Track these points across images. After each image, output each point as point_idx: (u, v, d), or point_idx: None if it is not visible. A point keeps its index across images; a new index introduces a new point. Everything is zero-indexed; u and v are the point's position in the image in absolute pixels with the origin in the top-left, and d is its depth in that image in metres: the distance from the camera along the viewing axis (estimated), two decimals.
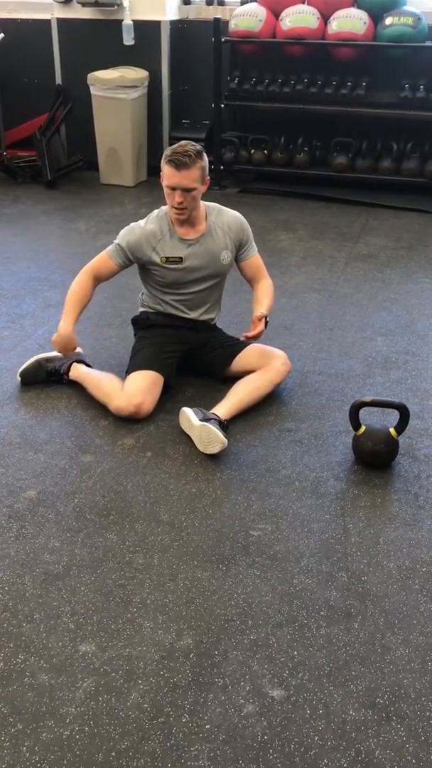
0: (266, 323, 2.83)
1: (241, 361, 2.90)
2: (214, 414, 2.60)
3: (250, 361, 2.89)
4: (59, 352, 2.87)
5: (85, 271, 2.85)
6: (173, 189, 2.66)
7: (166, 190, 2.70)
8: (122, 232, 2.85)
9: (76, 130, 6.08)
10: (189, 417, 2.59)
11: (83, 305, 2.85)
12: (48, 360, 2.97)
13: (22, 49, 6.04)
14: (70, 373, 2.93)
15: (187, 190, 2.65)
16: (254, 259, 2.98)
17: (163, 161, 2.68)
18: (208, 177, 2.75)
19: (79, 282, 2.85)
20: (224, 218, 2.87)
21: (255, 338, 2.80)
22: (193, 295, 2.90)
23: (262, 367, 2.83)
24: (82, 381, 2.90)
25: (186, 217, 2.74)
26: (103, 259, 2.85)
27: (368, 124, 5.55)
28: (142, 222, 2.84)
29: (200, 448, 2.54)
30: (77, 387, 2.93)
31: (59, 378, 2.95)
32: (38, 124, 5.98)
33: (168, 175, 2.65)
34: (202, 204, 2.84)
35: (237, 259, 2.95)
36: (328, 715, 1.66)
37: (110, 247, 2.85)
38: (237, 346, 2.95)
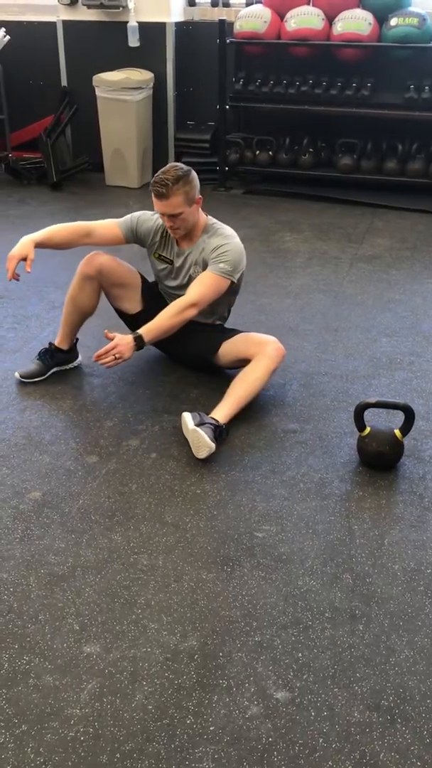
0: (141, 342, 2.61)
1: (230, 347, 2.87)
2: (212, 418, 2.59)
3: (239, 348, 2.84)
4: (10, 256, 2.73)
5: (80, 222, 2.91)
6: (162, 215, 2.73)
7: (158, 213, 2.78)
8: (141, 214, 2.93)
9: (82, 131, 6.10)
10: (186, 422, 2.59)
11: (57, 242, 2.84)
12: None
13: (28, 51, 6.05)
14: (56, 341, 3.05)
15: (172, 216, 2.70)
16: (203, 273, 2.77)
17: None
18: (199, 196, 2.74)
19: (69, 224, 2.89)
20: (212, 239, 2.81)
21: (102, 360, 2.57)
22: (178, 296, 2.90)
23: (253, 355, 2.77)
24: (61, 322, 3.05)
25: (180, 235, 2.82)
26: (109, 222, 2.92)
27: (373, 125, 5.55)
28: (156, 216, 2.90)
29: (193, 452, 2.54)
30: (83, 388, 2.94)
31: (48, 350, 3.03)
32: (44, 126, 6.00)
33: (154, 203, 2.71)
34: (207, 221, 2.85)
35: None
36: (333, 717, 1.66)
37: (122, 218, 2.93)
38: (226, 333, 2.94)
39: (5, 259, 2.74)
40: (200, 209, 2.80)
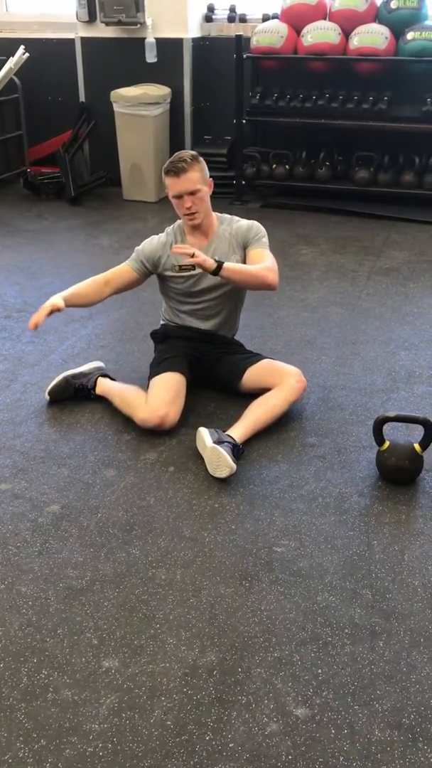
0: (219, 269, 2.63)
1: (253, 374, 2.88)
2: (230, 436, 2.58)
3: (262, 376, 2.85)
4: (41, 307, 2.80)
5: (96, 276, 2.95)
6: (180, 197, 2.76)
7: (173, 202, 2.81)
8: (143, 242, 2.96)
9: (100, 146, 6.16)
10: (203, 438, 2.58)
11: (82, 295, 2.90)
12: (74, 377, 3.00)
13: (47, 67, 6.14)
14: (97, 389, 2.95)
15: (192, 193, 2.74)
16: (257, 251, 2.84)
17: (163, 176, 2.78)
18: (211, 179, 2.82)
19: (88, 280, 2.93)
20: (234, 226, 2.89)
21: (180, 250, 2.65)
22: (207, 304, 2.93)
23: (275, 384, 2.79)
24: (108, 395, 2.92)
25: (199, 221, 2.83)
26: (122, 266, 2.96)
27: (390, 138, 5.56)
28: (159, 235, 2.96)
29: (210, 470, 2.52)
30: (101, 402, 2.95)
31: (87, 394, 2.97)
32: (62, 141, 6.06)
33: (171, 185, 2.76)
34: (215, 214, 2.92)
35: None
36: (353, 735, 1.64)
37: (130, 257, 2.97)
38: (251, 358, 2.95)
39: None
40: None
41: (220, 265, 2.64)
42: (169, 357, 2.92)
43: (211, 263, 2.63)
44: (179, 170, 2.71)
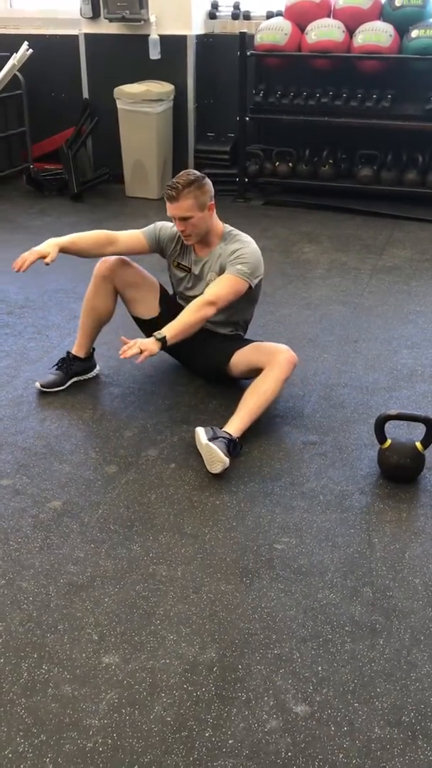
0: (165, 343, 2.57)
1: (242, 357, 2.85)
2: (225, 432, 2.57)
3: (250, 357, 2.82)
4: (31, 250, 2.76)
5: (104, 231, 2.95)
6: (174, 219, 2.77)
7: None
8: (165, 222, 2.97)
9: (103, 143, 6.15)
10: (199, 437, 2.58)
11: (80, 248, 2.87)
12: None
13: (50, 64, 6.13)
14: (74, 349, 3.06)
15: (183, 219, 2.73)
16: (221, 276, 2.76)
17: None
18: (211, 202, 2.76)
19: (94, 232, 2.93)
20: (229, 246, 2.81)
21: (128, 354, 2.50)
22: None
23: (264, 363, 2.73)
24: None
25: (191, 243, 2.84)
26: (134, 233, 2.95)
27: (393, 137, 5.55)
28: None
29: (207, 467, 2.52)
30: (103, 398, 2.96)
31: (65, 356, 3.05)
32: (65, 138, 6.05)
33: (167, 206, 2.75)
34: (224, 228, 2.87)
35: None
36: (353, 732, 1.64)
37: (145, 227, 2.97)
38: (239, 342, 2.94)
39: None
40: (218, 218, 2.83)
41: (163, 340, 2.55)
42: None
43: (156, 348, 2.54)
44: (169, 197, 2.69)
